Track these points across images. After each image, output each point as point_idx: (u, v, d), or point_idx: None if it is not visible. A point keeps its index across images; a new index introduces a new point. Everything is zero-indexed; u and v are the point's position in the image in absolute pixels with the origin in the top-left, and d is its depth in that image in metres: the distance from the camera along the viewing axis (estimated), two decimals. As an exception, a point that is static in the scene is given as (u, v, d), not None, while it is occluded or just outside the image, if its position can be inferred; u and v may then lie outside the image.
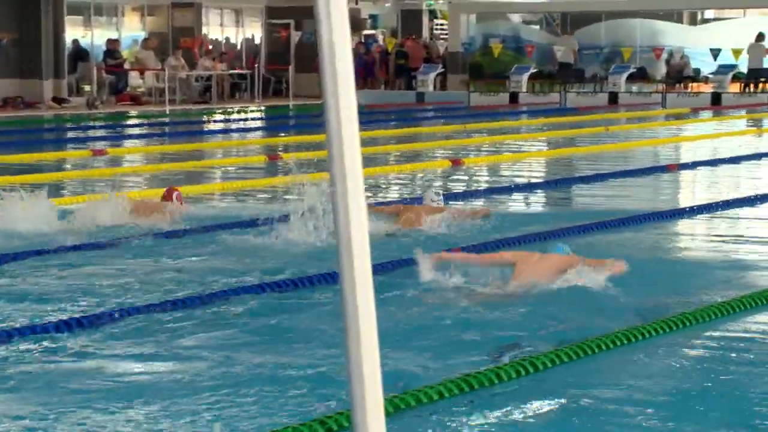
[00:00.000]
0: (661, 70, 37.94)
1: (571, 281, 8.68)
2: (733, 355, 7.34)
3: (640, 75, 37.39)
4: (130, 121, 30.29)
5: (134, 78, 35.03)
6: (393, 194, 15.58)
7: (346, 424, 5.67)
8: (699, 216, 13.21)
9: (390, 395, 6.03)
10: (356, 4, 41.17)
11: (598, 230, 11.75)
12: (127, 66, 35.01)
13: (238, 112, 32.66)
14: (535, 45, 39.19)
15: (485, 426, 6.00)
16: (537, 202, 15.33)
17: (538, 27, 42.56)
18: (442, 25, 44.55)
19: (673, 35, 39.28)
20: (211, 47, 38.18)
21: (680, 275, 9.47)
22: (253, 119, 31.41)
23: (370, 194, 14.58)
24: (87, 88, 34.36)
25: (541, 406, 6.30)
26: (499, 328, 7.79)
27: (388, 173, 17.82)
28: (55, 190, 15.24)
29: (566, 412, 6.19)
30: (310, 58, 37.45)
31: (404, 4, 44.10)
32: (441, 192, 12.65)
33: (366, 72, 37.89)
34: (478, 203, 14.14)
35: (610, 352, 7.24)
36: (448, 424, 6.02)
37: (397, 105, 34.37)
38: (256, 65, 37.08)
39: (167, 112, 31.91)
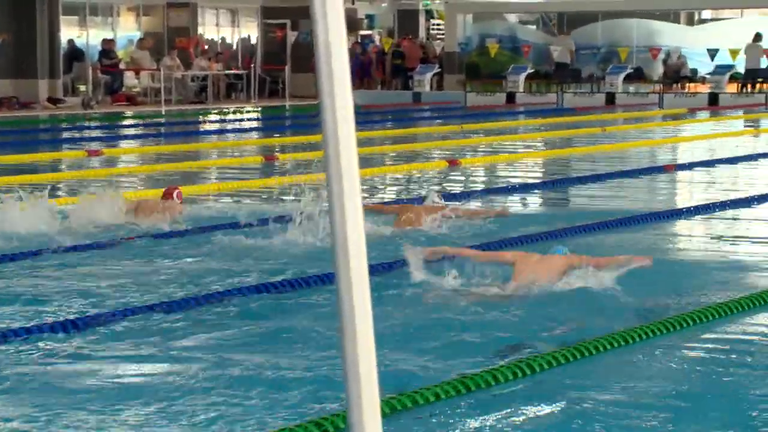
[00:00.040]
0: (658, 70, 37.98)
1: (570, 282, 8.68)
2: (732, 356, 7.32)
3: (637, 75, 37.43)
4: (126, 122, 30.28)
5: (130, 78, 34.99)
6: (390, 195, 15.55)
7: (342, 425, 5.66)
8: (696, 216, 13.18)
9: (387, 396, 6.00)
10: (353, 4, 41.14)
11: (595, 231, 11.73)
12: (122, 66, 34.99)
13: (234, 112, 32.62)
14: (531, 45, 39.21)
15: (483, 428, 5.99)
16: (534, 202, 15.30)
17: (534, 27, 42.56)
18: (438, 25, 44.54)
19: (670, 35, 39.32)
20: (206, 47, 38.13)
21: (678, 276, 9.44)
22: (249, 119, 31.38)
23: (366, 195, 14.56)
24: (82, 88, 34.31)
25: (539, 407, 6.28)
26: (498, 329, 7.76)
27: (385, 174, 17.77)
28: (50, 190, 15.08)
29: (564, 413, 6.16)
30: (306, 58, 37.37)
31: (401, 4, 44.08)
32: (441, 196, 12.62)
33: (362, 72, 37.89)
34: (476, 204, 14.10)
35: (609, 354, 7.21)
36: (445, 425, 6.00)
37: (393, 105, 34.37)
38: (252, 65, 37.05)
39: (163, 113, 31.89)
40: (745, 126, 29.58)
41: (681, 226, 12.89)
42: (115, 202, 12.24)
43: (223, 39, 40.83)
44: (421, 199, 12.62)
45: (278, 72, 37.71)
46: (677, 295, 8.78)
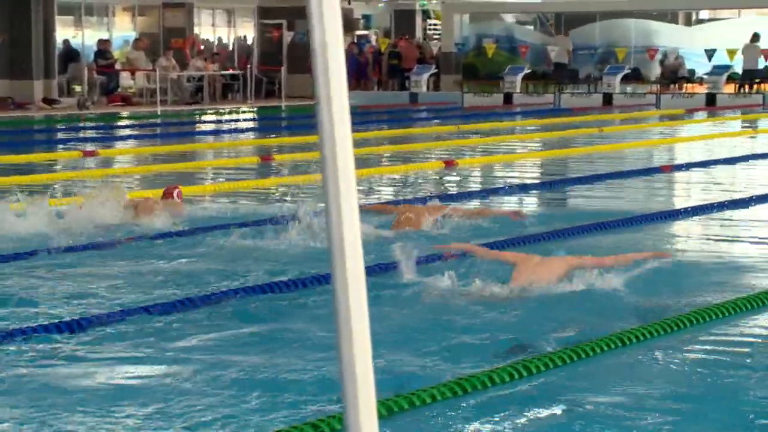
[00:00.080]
0: (656, 70, 37.98)
1: (570, 283, 8.69)
2: (731, 357, 7.30)
3: (635, 76, 37.44)
4: (121, 122, 30.20)
5: (125, 78, 34.95)
6: (386, 196, 15.51)
7: (339, 426, 5.64)
8: (694, 217, 13.16)
9: (383, 398, 5.98)
10: (349, 4, 41.11)
11: (593, 232, 11.72)
12: (118, 66, 34.94)
13: (230, 112, 32.59)
14: (529, 45, 39.19)
15: (480, 430, 5.98)
16: (531, 203, 15.25)
17: (531, 27, 42.55)
18: (435, 25, 44.52)
19: (668, 36, 39.33)
20: (202, 47, 38.07)
21: (676, 277, 9.40)
22: (245, 120, 31.35)
23: (363, 196, 14.52)
24: (78, 88, 34.30)
25: (536, 409, 6.26)
26: (496, 330, 7.74)
27: (382, 175, 17.73)
28: (46, 191, 15.10)
29: (561, 415, 6.16)
30: (302, 58, 37.35)
31: (397, 5, 44.04)
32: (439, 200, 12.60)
33: (359, 73, 37.87)
34: (473, 204, 14.09)
35: (607, 355, 7.20)
36: (442, 427, 5.98)
37: (390, 106, 34.34)
38: (248, 66, 36.99)
39: (158, 113, 31.85)
40: (742, 126, 29.57)
41: (678, 226, 12.86)
42: (116, 201, 12.22)
43: (219, 39, 40.78)
44: (424, 200, 12.61)
45: (274, 72, 37.66)
46: (675, 296, 8.76)
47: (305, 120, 28.53)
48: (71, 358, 7.15)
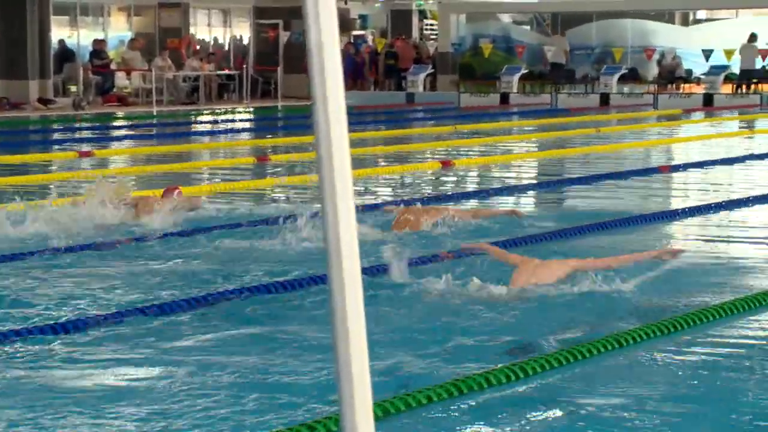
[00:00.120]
0: (653, 70, 37.94)
1: (567, 284, 8.68)
2: (730, 358, 7.27)
3: (632, 76, 37.41)
4: (117, 122, 30.18)
5: (121, 78, 34.87)
6: (383, 196, 15.46)
7: (335, 428, 5.63)
8: (691, 218, 13.14)
9: (380, 399, 5.95)
10: (345, 4, 41.08)
11: (590, 232, 11.69)
12: (113, 66, 34.89)
13: (226, 113, 32.54)
14: (525, 45, 39.16)
15: (476, 431, 5.97)
16: (528, 203, 15.20)
17: (528, 27, 42.52)
18: (431, 25, 44.54)
19: (665, 36, 39.30)
20: (198, 48, 38.03)
21: (673, 278, 9.38)
22: (241, 120, 31.29)
23: (359, 196, 14.49)
24: (73, 88, 34.24)
25: (533, 411, 6.22)
26: (495, 331, 7.73)
27: (378, 175, 17.69)
28: (41, 192, 15.18)
29: (557, 417, 6.14)
30: (298, 58, 37.27)
31: (394, 5, 44.03)
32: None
33: (355, 73, 37.84)
34: (469, 205, 14.07)
35: (604, 356, 7.17)
36: (439, 428, 5.97)
37: (386, 106, 34.31)
38: (244, 66, 36.94)
39: (154, 113, 31.81)
40: (740, 127, 29.54)
41: (676, 227, 12.84)
42: (118, 198, 12.23)
43: (215, 39, 40.74)
44: (425, 201, 12.69)
45: (271, 72, 37.60)
46: (673, 297, 8.74)
47: (301, 120, 28.55)
48: (66, 359, 7.12)
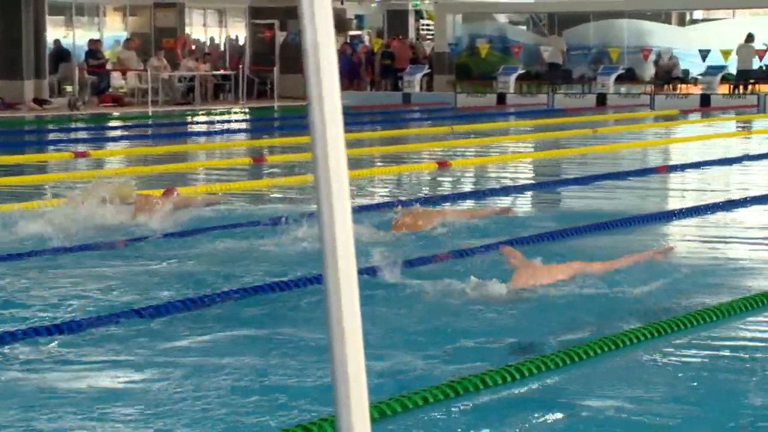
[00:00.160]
0: (650, 71, 37.93)
1: (565, 285, 8.71)
2: (728, 359, 7.26)
3: (629, 76, 37.39)
4: (113, 123, 30.13)
5: (116, 79, 34.85)
6: (379, 197, 15.44)
7: (330, 430, 5.61)
8: (689, 218, 13.12)
9: (381, 399, 5.96)
10: (341, 4, 41.05)
11: (586, 233, 11.67)
12: (109, 66, 34.84)
13: (222, 113, 32.50)
14: (522, 45, 39.14)
15: None
16: (525, 204, 15.21)
17: (525, 27, 42.50)
18: (428, 25, 44.50)
19: (662, 36, 39.29)
20: (194, 48, 37.99)
21: (670, 279, 9.35)
22: (237, 121, 31.28)
23: (355, 197, 14.43)
24: (68, 88, 34.22)
25: (528, 412, 6.22)
26: (494, 332, 7.72)
27: (374, 175, 17.66)
28: (36, 192, 15.21)
29: (553, 418, 6.13)
30: (295, 58, 37.22)
31: (390, 5, 43.99)
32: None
33: (352, 73, 37.80)
34: (466, 206, 14.07)
35: (600, 357, 7.14)
36: (435, 430, 5.95)
37: (383, 106, 34.28)
38: (240, 66, 36.90)
39: (150, 114, 31.80)
40: (737, 127, 29.54)
41: (673, 228, 12.82)
42: (121, 198, 12.28)
43: (211, 39, 40.69)
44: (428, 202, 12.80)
45: (267, 73, 37.57)
46: (669, 298, 8.71)
47: (297, 120, 28.52)
48: (61, 361, 7.10)
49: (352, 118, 27.74)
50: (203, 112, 32.69)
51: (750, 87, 36.11)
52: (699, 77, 36.49)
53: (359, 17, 45.37)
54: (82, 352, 7.28)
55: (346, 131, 2.00)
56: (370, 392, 2.01)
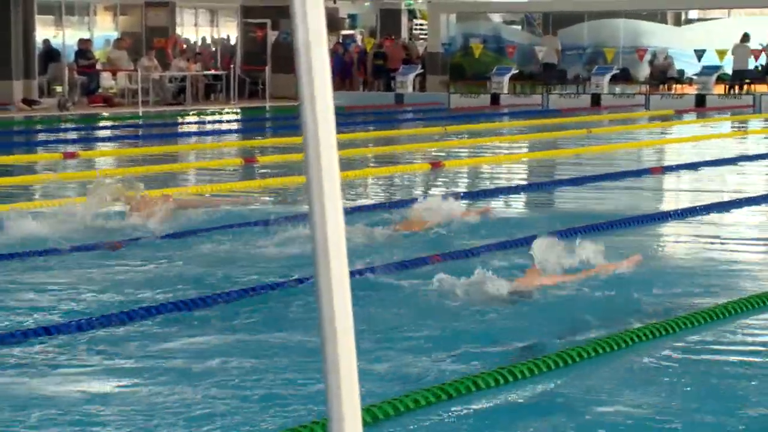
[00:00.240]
0: (645, 71, 37.91)
1: (560, 288, 8.76)
2: (725, 360, 7.32)
3: (623, 76, 37.38)
4: (103, 123, 30.15)
5: (106, 79, 34.79)
6: (372, 198, 15.43)
7: None
8: (683, 219, 13.12)
9: (380, 400, 5.95)
10: (334, 3, 41.00)
11: (581, 234, 11.56)
12: (99, 66, 34.77)
13: (214, 113, 32.46)
14: (516, 45, 39.09)
15: None
16: (518, 205, 15.20)
17: (519, 27, 42.47)
18: (421, 25, 44.49)
19: (657, 36, 39.28)
20: (185, 47, 37.90)
21: (666, 279, 9.38)
22: (228, 121, 31.24)
23: (347, 198, 14.46)
24: (58, 89, 34.13)
25: (523, 413, 6.24)
26: (491, 333, 7.73)
27: (367, 176, 17.63)
28: (26, 193, 15.29)
29: (548, 420, 6.10)
30: (287, 58, 37.06)
31: (383, 4, 43.94)
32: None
33: (344, 73, 37.76)
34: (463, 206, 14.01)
35: (594, 360, 7.14)
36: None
37: (375, 106, 34.25)
38: (231, 66, 36.83)
39: (140, 114, 31.76)
40: (732, 128, 29.57)
41: (667, 229, 12.83)
42: (116, 199, 12.36)
43: (202, 39, 40.61)
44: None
45: (258, 72, 37.48)
46: (664, 299, 8.71)
47: (290, 121, 28.53)
48: (49, 364, 7.07)
49: (345, 119, 27.79)
50: (194, 112, 32.67)
51: (745, 87, 36.11)
52: (694, 77, 36.50)
53: (352, 16, 45.36)
54: (72, 355, 7.24)
55: (339, 132, 1.99)
56: (363, 396, 2.00)
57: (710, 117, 31.38)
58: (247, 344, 7.47)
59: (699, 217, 13.16)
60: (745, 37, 36.33)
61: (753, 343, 7.76)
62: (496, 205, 14.55)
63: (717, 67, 35.66)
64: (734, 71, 36.04)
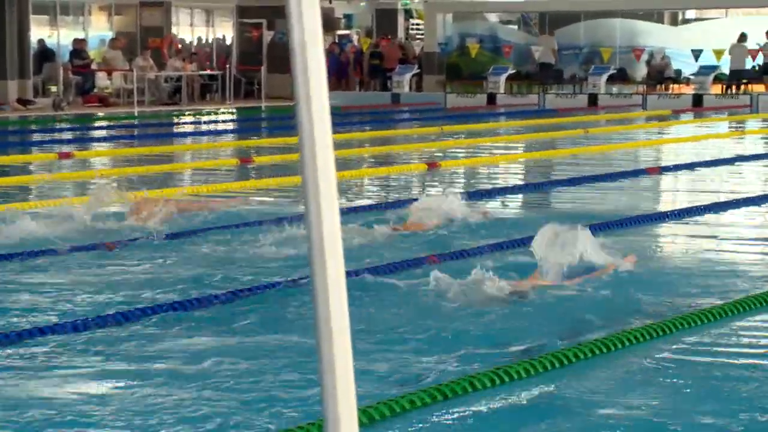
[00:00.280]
0: (642, 71, 37.91)
1: (559, 289, 8.77)
2: (722, 360, 7.28)
3: (620, 76, 37.41)
4: (98, 123, 30.21)
5: (102, 79, 34.78)
6: (368, 198, 15.42)
7: None
8: (681, 220, 13.09)
9: (363, 405, 5.91)
10: (330, 3, 40.96)
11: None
12: (94, 66, 34.76)
13: (209, 113, 32.46)
14: (513, 45, 39.08)
15: None
16: (515, 205, 15.18)
17: (516, 27, 42.46)
18: (417, 24, 44.47)
19: (654, 35, 39.28)
20: (180, 47, 37.88)
21: (663, 280, 9.37)
22: (224, 121, 31.23)
23: (343, 198, 14.45)
24: (53, 89, 34.09)
25: (518, 415, 6.23)
26: (490, 334, 7.72)
27: (363, 176, 17.60)
28: (21, 194, 15.28)
29: (543, 421, 6.09)
30: (282, 58, 37.09)
31: (379, 4, 43.93)
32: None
33: (340, 73, 37.74)
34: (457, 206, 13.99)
35: (590, 361, 7.13)
36: None
37: (371, 106, 34.23)
38: (227, 66, 36.80)
39: (136, 114, 31.78)
40: (729, 128, 29.59)
41: (664, 229, 12.80)
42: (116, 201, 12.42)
43: (199, 39, 40.57)
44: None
45: (254, 72, 37.47)
46: (661, 300, 8.69)
47: (285, 121, 28.51)
48: (45, 366, 7.04)
49: (341, 119, 27.82)
50: (190, 112, 32.71)
51: (743, 87, 36.10)
52: (691, 77, 36.49)
53: (348, 16, 45.34)
54: (67, 356, 7.22)
55: (335, 132, 2.00)
56: (359, 396, 2.00)
57: (707, 117, 31.39)
58: (243, 345, 7.45)
59: (696, 218, 13.13)
60: (743, 37, 36.32)
61: (750, 345, 7.75)
62: (493, 205, 14.55)
63: (714, 67, 35.65)
64: (731, 71, 36.03)
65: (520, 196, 15.91)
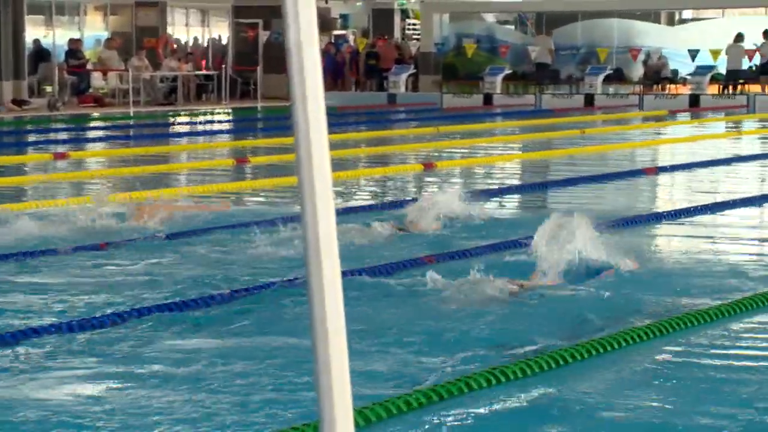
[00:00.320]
0: (638, 71, 37.91)
1: (558, 289, 8.78)
2: (720, 362, 7.28)
3: (617, 76, 37.41)
4: (93, 124, 30.21)
5: (97, 79, 34.79)
6: (364, 198, 15.41)
7: None
8: (678, 220, 13.09)
9: (359, 406, 5.88)
10: (326, 3, 40.99)
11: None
12: (89, 66, 34.75)
13: (205, 114, 32.47)
14: (509, 45, 39.07)
15: None
16: (511, 206, 15.19)
17: (512, 27, 42.46)
18: (414, 24, 44.50)
19: (651, 36, 39.29)
20: (176, 47, 37.86)
21: (660, 280, 9.35)
22: (219, 121, 31.23)
23: (339, 198, 14.46)
24: (48, 89, 34.13)
25: (515, 415, 6.22)
26: (489, 334, 7.71)
27: (359, 177, 17.62)
28: (15, 194, 15.26)
29: (540, 422, 6.11)
30: (278, 58, 36.99)
31: (375, 4, 43.92)
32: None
33: (336, 73, 37.75)
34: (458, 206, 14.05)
35: (587, 361, 7.13)
36: None
37: (368, 106, 34.26)
38: (223, 66, 36.79)
39: (131, 114, 31.78)
40: (726, 128, 29.60)
41: (661, 229, 12.81)
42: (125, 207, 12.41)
43: (194, 39, 40.56)
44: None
45: (250, 73, 37.46)
46: (660, 300, 8.69)
47: (281, 121, 28.52)
48: (40, 367, 7.04)
49: (337, 119, 27.86)
50: (185, 112, 32.72)
51: (739, 87, 36.11)
52: (688, 77, 36.50)
53: (344, 16, 45.35)
54: (62, 357, 7.21)
55: (330, 132, 2.00)
56: (355, 397, 2.01)
57: (704, 117, 31.47)
58: (239, 345, 7.45)
59: (693, 218, 13.14)
60: (739, 37, 36.32)
61: (749, 346, 7.74)
62: (490, 205, 14.54)
63: (711, 67, 35.68)
64: (728, 71, 36.03)
65: (517, 196, 15.92)
